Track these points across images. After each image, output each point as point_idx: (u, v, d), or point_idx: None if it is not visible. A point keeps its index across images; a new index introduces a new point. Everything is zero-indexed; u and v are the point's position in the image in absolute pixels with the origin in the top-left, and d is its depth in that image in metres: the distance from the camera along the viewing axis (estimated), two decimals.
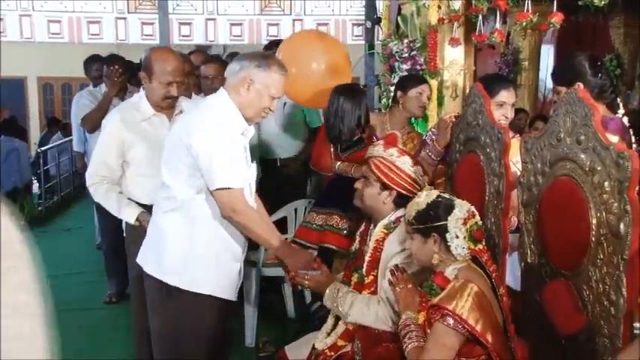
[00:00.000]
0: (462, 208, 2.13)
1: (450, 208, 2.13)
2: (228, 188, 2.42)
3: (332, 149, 3.70)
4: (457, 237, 2.10)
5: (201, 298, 2.54)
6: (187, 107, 3.04)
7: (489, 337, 1.98)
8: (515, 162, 2.91)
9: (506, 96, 3.08)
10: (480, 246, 2.14)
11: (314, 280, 2.61)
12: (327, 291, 2.57)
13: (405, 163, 2.54)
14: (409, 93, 3.76)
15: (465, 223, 2.11)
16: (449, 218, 2.11)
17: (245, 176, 2.57)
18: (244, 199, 2.50)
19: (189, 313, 2.55)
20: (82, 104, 4.95)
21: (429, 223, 2.13)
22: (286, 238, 4.25)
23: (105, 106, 4.54)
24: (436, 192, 2.21)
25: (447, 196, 2.19)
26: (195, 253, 2.52)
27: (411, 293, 2.20)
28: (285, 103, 4.51)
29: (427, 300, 2.15)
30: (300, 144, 4.70)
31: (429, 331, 2.09)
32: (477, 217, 2.16)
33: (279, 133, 4.61)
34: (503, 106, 3.09)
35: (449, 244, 2.11)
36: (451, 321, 1.97)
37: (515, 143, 2.87)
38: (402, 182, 2.54)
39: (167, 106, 3.03)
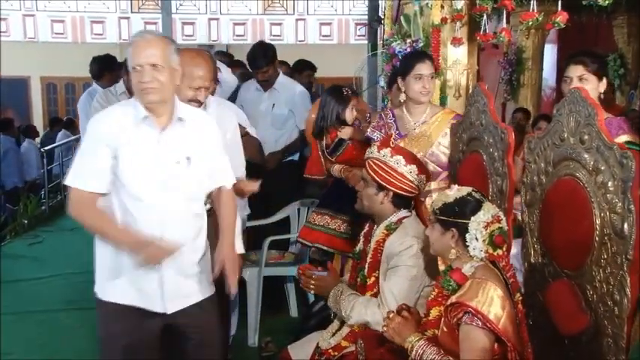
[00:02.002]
0: (487, 211, 2.11)
1: (476, 208, 2.11)
2: (70, 187, 2.33)
3: (321, 155, 3.74)
4: (476, 239, 2.09)
5: (112, 306, 2.39)
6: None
7: (510, 336, 1.97)
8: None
9: (422, 68, 3.20)
10: (500, 251, 2.11)
11: (319, 284, 2.63)
12: (332, 292, 2.59)
13: (398, 163, 2.55)
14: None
15: (486, 227, 2.09)
16: (472, 218, 2.10)
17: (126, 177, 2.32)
18: (81, 202, 2.32)
19: (103, 323, 2.44)
20: (94, 108, 4.74)
21: (451, 218, 2.13)
22: (288, 239, 4.31)
23: None
24: (469, 189, 2.18)
25: (477, 196, 2.16)
26: (100, 256, 2.42)
27: (398, 323, 2.19)
28: (273, 105, 4.49)
29: (443, 295, 2.14)
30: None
31: (444, 328, 2.08)
32: (503, 223, 2.13)
33: (269, 134, 4.46)
34: (421, 78, 3.20)
35: (467, 243, 2.11)
36: (479, 321, 1.96)
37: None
38: (396, 182, 2.54)
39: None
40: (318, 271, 2.67)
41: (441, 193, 2.23)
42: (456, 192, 2.17)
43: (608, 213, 2.01)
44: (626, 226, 1.93)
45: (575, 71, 2.83)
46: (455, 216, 2.12)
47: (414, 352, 2.11)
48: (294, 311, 4.31)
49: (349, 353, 2.52)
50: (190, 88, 2.76)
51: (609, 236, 2.01)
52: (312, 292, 2.70)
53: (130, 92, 4.56)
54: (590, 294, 2.10)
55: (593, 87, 2.79)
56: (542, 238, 2.38)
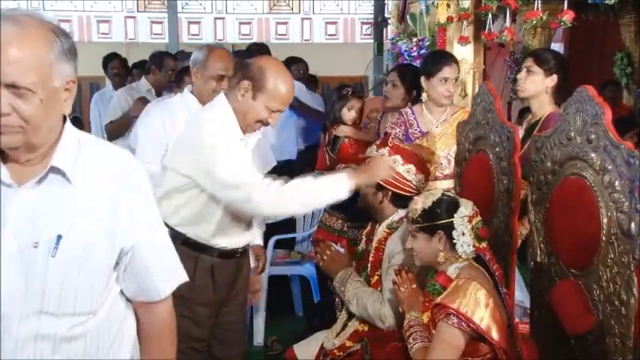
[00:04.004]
0: (467, 206, 2.16)
1: (455, 206, 2.15)
2: None
3: (325, 151, 3.80)
4: (463, 234, 2.11)
5: None
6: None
7: (495, 335, 1.98)
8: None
9: (448, 71, 3.25)
10: (484, 244, 2.15)
11: (332, 259, 2.64)
12: (340, 273, 2.61)
13: (396, 162, 2.55)
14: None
15: (470, 221, 2.12)
16: (455, 216, 2.13)
17: None
18: None
19: None
20: (113, 108, 4.54)
21: (436, 221, 2.13)
22: (294, 238, 4.31)
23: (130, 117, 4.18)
24: (440, 191, 2.23)
25: (450, 194, 2.21)
26: None
27: (415, 293, 2.21)
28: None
29: (430, 300, 2.15)
30: (294, 149, 4.66)
31: (434, 331, 2.09)
32: (479, 216, 2.18)
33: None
34: (447, 81, 3.25)
35: (455, 241, 2.12)
36: (455, 320, 1.97)
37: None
38: (394, 181, 2.54)
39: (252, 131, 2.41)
40: (337, 246, 2.69)
41: (415, 201, 2.23)
42: (430, 197, 2.20)
43: (614, 212, 2.00)
44: (633, 225, 1.92)
45: (526, 62, 3.11)
46: (439, 218, 2.14)
47: (405, 322, 2.16)
48: (299, 310, 4.32)
49: (354, 352, 2.52)
50: (267, 109, 2.31)
51: (616, 236, 2.00)
52: (321, 264, 2.69)
53: (157, 90, 4.59)
54: (597, 294, 2.09)
55: (538, 79, 3.05)
56: (549, 238, 2.37)
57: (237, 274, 2.58)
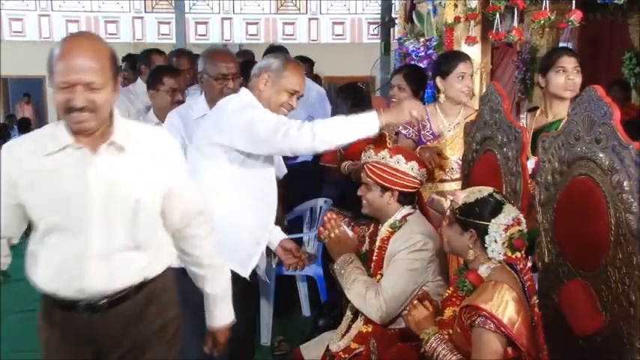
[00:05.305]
0: (508, 214, 2.09)
1: (496, 210, 2.09)
2: None
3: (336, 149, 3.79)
4: (495, 241, 2.08)
5: None
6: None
7: (524, 341, 1.96)
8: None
9: (464, 67, 3.26)
10: (518, 254, 2.10)
11: (338, 239, 2.63)
12: (343, 256, 2.60)
13: (399, 162, 2.57)
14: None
15: (506, 230, 2.08)
16: (492, 221, 2.08)
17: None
18: None
19: None
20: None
21: (471, 219, 2.11)
22: (300, 238, 4.31)
23: None
24: (490, 189, 2.16)
25: (499, 197, 2.14)
26: None
27: (419, 312, 2.19)
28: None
29: (458, 295, 2.13)
30: None
31: (458, 329, 2.07)
32: (523, 225, 2.12)
33: None
34: (464, 77, 3.25)
35: (486, 245, 2.09)
36: (492, 325, 1.94)
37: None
38: (400, 181, 2.56)
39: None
40: (346, 226, 2.66)
41: (461, 193, 2.20)
42: (477, 192, 2.15)
43: (623, 213, 1.99)
44: None
45: (571, 62, 2.99)
46: (475, 217, 2.10)
47: (428, 344, 2.11)
48: (306, 310, 4.32)
49: (360, 353, 2.52)
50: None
51: (625, 236, 1.99)
52: (326, 241, 2.66)
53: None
54: (605, 294, 2.08)
55: (580, 80, 2.96)
56: (557, 238, 2.36)
57: (119, 326, 1.91)
